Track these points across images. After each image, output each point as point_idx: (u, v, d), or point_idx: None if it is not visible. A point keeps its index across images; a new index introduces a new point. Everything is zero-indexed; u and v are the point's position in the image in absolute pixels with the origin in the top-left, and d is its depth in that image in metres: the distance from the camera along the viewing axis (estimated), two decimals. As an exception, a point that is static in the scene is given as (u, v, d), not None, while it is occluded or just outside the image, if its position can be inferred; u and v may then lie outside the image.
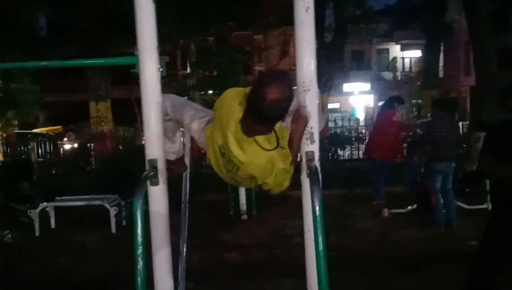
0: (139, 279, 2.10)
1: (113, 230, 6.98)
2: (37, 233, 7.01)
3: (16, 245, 6.66)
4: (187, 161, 3.63)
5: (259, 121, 2.18)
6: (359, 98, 31.78)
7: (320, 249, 1.96)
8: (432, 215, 6.83)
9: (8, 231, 6.95)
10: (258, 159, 2.26)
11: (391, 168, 8.13)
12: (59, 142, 16.09)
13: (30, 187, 7.69)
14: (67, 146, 16.00)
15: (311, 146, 2.46)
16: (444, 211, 6.68)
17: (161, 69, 2.60)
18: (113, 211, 6.97)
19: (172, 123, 2.94)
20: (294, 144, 2.39)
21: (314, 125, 2.46)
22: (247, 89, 2.25)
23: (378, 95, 31.37)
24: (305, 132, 2.46)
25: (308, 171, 2.38)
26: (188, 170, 3.31)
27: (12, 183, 7.83)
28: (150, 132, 2.61)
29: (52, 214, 7.32)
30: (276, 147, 2.27)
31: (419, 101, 20.58)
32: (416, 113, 21.64)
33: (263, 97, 2.08)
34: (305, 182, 2.43)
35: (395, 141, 7.89)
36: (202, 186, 8.06)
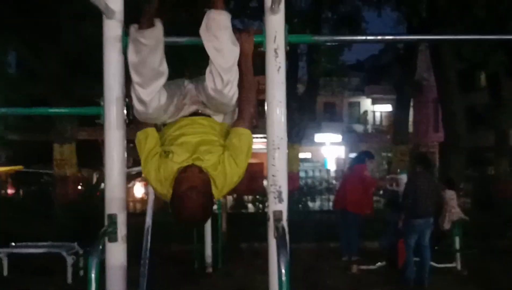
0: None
1: (69, 280, 6.68)
2: (-13, 281, 6.64)
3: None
4: (150, 209, 3.49)
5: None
6: (330, 149, 32.21)
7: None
8: (401, 272, 6.77)
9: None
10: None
11: (361, 223, 8.08)
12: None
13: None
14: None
15: (279, 205, 2.42)
16: (415, 268, 6.63)
17: (127, 121, 2.53)
18: (70, 260, 6.70)
19: None
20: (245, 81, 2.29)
21: (282, 184, 2.42)
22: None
23: (349, 147, 31.85)
24: (273, 190, 2.40)
25: (275, 232, 2.31)
26: (150, 225, 3.19)
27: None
28: (111, 185, 2.51)
29: (5, 261, 6.97)
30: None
31: (389, 154, 20.95)
32: (386, 167, 21.98)
33: (181, 218, 2.06)
34: (272, 242, 2.37)
35: (365, 195, 7.88)
36: (165, 236, 7.82)
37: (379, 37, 2.49)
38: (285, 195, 2.41)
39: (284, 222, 2.39)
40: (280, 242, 2.13)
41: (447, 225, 7.44)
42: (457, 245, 7.49)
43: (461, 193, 10.04)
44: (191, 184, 2.01)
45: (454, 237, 7.50)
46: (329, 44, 10.76)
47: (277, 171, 2.41)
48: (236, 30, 2.36)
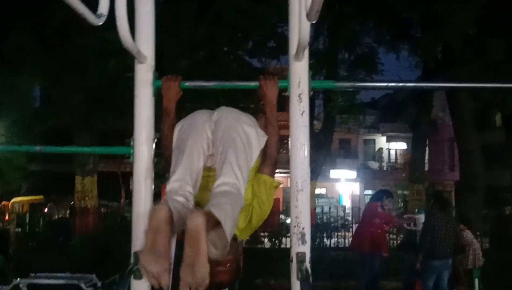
0: None
1: (87, 312, 6.65)
2: (6, 312, 6.65)
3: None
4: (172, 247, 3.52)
5: None
6: (345, 185, 32.03)
7: None
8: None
9: (-24, 307, 6.60)
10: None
11: (379, 262, 7.92)
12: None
13: (4, 262, 7.39)
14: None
15: (303, 247, 2.42)
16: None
17: (155, 161, 2.62)
18: (88, 293, 6.68)
19: None
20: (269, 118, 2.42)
21: (306, 226, 2.45)
22: None
23: (364, 183, 31.64)
24: (296, 231, 2.44)
25: (298, 274, 2.33)
26: (171, 264, 3.20)
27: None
28: (138, 223, 2.56)
29: (24, 292, 6.99)
30: None
31: (405, 192, 20.73)
32: (402, 205, 21.69)
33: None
34: (295, 284, 2.37)
35: (379, 233, 7.71)
36: (179, 271, 7.78)
37: (400, 84, 2.57)
38: (308, 237, 2.43)
39: (307, 264, 2.40)
40: (304, 284, 2.16)
41: (470, 265, 7.37)
42: (476, 288, 7.35)
43: (478, 233, 9.89)
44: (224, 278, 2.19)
45: (474, 279, 7.37)
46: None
47: (300, 213, 2.45)
48: (261, 77, 2.46)
